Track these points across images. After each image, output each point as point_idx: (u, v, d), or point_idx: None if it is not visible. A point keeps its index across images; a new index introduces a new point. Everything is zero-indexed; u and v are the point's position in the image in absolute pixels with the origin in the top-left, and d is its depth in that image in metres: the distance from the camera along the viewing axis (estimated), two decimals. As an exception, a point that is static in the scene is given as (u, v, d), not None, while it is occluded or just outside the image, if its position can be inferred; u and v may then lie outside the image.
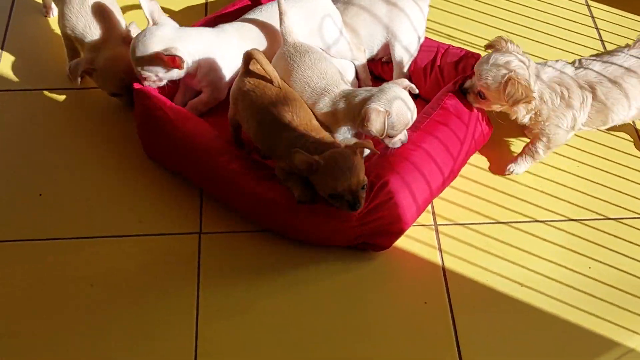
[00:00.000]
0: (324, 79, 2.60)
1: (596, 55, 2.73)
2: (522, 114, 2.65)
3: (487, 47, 2.69)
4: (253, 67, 2.58)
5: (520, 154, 2.76)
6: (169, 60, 2.67)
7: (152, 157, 2.80)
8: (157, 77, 2.72)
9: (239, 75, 2.63)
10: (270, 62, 2.62)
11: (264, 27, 2.82)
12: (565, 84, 2.63)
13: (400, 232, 2.55)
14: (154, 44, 2.68)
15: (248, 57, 2.58)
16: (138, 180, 2.76)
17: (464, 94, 2.69)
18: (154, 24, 2.72)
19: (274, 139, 2.51)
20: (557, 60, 2.69)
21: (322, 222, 2.49)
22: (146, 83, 2.73)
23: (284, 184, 2.51)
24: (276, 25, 2.79)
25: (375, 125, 2.44)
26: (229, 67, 2.80)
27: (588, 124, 2.69)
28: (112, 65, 2.81)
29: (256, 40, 2.79)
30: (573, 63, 2.69)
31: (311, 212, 2.48)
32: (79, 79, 2.81)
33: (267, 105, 2.53)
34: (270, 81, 2.57)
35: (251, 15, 2.86)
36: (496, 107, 2.67)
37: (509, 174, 2.76)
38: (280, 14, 2.70)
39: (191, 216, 2.65)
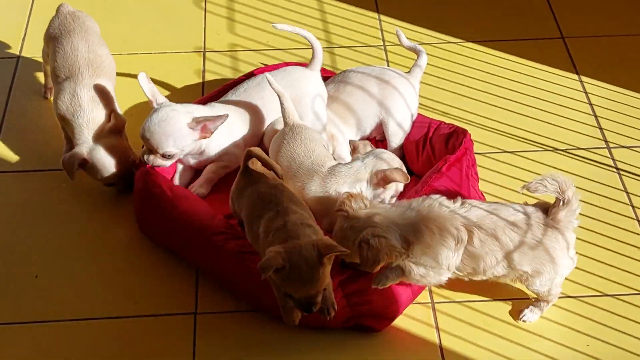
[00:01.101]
0: (310, 158, 2.64)
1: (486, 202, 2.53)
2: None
3: (337, 210, 2.43)
4: (253, 166, 2.53)
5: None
6: (202, 129, 2.70)
7: (148, 236, 2.80)
8: (181, 152, 2.74)
9: (238, 174, 2.58)
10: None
11: (248, 106, 2.88)
12: (439, 220, 2.40)
13: (393, 317, 2.53)
14: (183, 118, 2.71)
15: (248, 156, 2.53)
16: (133, 260, 2.75)
17: (348, 268, 2.46)
18: (157, 103, 2.76)
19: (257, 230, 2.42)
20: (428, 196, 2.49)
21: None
22: (162, 163, 2.74)
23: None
24: (257, 103, 2.85)
25: (402, 180, 2.59)
26: (232, 137, 2.84)
27: (460, 269, 2.45)
28: (105, 158, 2.83)
29: (245, 116, 2.86)
30: (456, 202, 2.47)
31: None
32: (74, 173, 2.83)
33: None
34: (273, 170, 2.53)
35: (234, 95, 2.91)
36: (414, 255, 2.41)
37: None
38: (279, 96, 2.74)
39: (187, 296, 2.64)
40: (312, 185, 2.62)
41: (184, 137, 2.72)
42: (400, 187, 2.67)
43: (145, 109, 2.83)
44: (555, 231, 2.44)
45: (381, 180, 2.60)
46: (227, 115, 2.72)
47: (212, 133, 2.74)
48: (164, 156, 2.73)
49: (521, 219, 2.44)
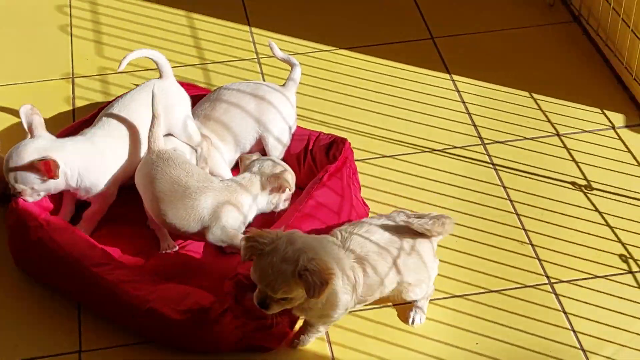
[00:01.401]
0: (193, 176, 2.64)
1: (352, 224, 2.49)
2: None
3: (246, 254, 2.29)
4: None
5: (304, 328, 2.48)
6: (44, 169, 2.61)
7: (25, 271, 2.70)
8: (32, 190, 2.66)
9: None
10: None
11: (126, 122, 2.79)
12: (340, 262, 2.33)
13: (285, 333, 2.50)
14: (28, 154, 2.63)
15: None
16: (10, 300, 2.64)
17: (265, 308, 2.29)
18: (31, 136, 2.70)
19: None
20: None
21: (204, 334, 2.44)
22: (24, 197, 2.66)
23: None
24: (136, 120, 2.77)
25: (292, 182, 2.69)
26: (110, 170, 2.75)
27: (362, 301, 2.44)
28: None
29: (123, 136, 2.78)
30: (335, 235, 2.42)
31: (193, 324, 2.43)
32: None
33: None
34: None
35: (113, 109, 2.81)
36: (312, 304, 2.33)
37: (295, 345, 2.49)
38: (153, 119, 2.67)
39: (70, 334, 2.54)
40: (207, 200, 2.61)
41: (26, 175, 2.63)
42: (292, 188, 2.72)
43: (9, 140, 2.73)
44: (425, 237, 2.49)
45: (276, 186, 2.66)
46: (58, 166, 2.61)
47: (57, 176, 2.64)
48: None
49: (392, 234, 2.45)
